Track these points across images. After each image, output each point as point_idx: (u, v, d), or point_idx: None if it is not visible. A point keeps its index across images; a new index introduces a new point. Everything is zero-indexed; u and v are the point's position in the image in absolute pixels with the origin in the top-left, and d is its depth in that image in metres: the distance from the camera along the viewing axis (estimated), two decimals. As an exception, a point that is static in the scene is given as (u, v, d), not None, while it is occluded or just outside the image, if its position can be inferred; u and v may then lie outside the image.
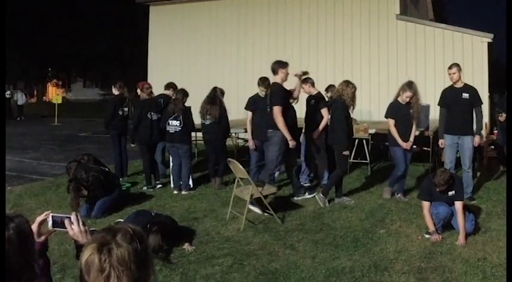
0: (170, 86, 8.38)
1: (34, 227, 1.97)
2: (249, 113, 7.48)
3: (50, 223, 1.99)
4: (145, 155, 7.74)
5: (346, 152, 6.59)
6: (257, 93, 7.52)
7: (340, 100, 6.60)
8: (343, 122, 6.56)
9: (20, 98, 23.26)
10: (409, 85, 6.66)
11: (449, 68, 6.80)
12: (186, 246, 5.00)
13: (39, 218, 2.01)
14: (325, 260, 4.65)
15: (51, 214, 2.01)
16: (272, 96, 6.51)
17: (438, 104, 6.97)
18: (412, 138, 6.67)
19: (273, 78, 6.72)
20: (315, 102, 7.66)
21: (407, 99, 6.60)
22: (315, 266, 4.51)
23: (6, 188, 7.39)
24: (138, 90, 8.21)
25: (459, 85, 6.73)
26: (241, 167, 5.96)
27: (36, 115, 23.93)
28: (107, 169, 6.94)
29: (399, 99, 6.68)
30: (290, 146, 6.50)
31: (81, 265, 1.43)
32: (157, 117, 7.63)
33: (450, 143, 6.72)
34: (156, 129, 7.61)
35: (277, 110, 6.38)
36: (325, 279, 4.24)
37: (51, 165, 9.80)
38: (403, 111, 6.65)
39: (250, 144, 7.47)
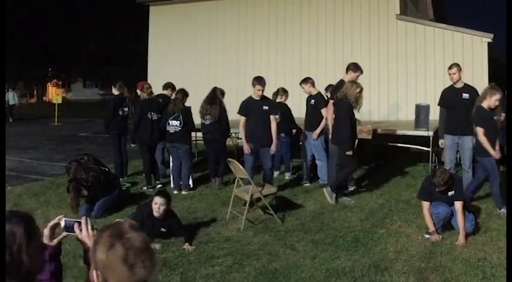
0: (168, 86, 8.39)
1: (46, 231, 2.01)
2: (243, 118, 7.04)
3: (62, 225, 2.02)
4: (145, 155, 7.74)
5: (350, 152, 6.54)
6: (250, 96, 7.12)
7: (345, 100, 6.57)
8: (347, 122, 6.53)
9: (12, 98, 21.72)
10: (495, 87, 6.30)
11: (450, 68, 6.77)
12: (186, 246, 5.01)
13: (52, 222, 2.04)
14: (325, 260, 4.65)
15: (63, 218, 2.03)
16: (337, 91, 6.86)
17: (438, 104, 6.95)
18: (498, 146, 6.18)
19: (342, 76, 7.14)
20: (315, 102, 7.68)
21: (497, 103, 6.10)
22: (315, 266, 4.51)
23: (6, 188, 7.40)
24: (138, 90, 8.22)
25: (459, 85, 6.71)
26: (241, 167, 5.96)
27: (32, 115, 23.65)
28: (106, 169, 6.94)
29: (484, 104, 6.07)
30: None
31: (98, 262, 1.42)
32: (157, 117, 7.63)
33: (450, 143, 6.71)
34: (157, 129, 7.61)
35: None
36: (325, 279, 4.24)
37: (51, 165, 9.80)
38: (491, 117, 6.16)
39: (246, 148, 7.05)
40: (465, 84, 6.75)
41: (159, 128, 7.59)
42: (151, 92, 7.96)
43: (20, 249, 1.67)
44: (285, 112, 8.08)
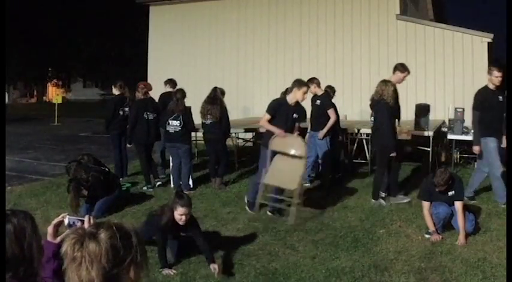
0: (174, 82, 8.49)
1: (50, 229, 2.04)
2: (267, 116, 6.15)
3: (66, 223, 2.06)
4: (142, 155, 7.77)
5: (393, 154, 6.34)
6: (284, 99, 6.33)
7: (383, 101, 6.42)
8: (388, 124, 6.39)
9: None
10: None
11: (497, 70, 6.38)
12: (212, 266, 4.43)
13: (55, 220, 2.07)
14: (325, 260, 4.65)
15: (67, 216, 2.07)
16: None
17: (474, 108, 6.54)
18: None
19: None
20: (320, 103, 7.69)
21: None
22: (315, 266, 4.51)
23: (6, 188, 7.39)
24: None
25: (495, 88, 6.48)
26: (302, 142, 5.85)
27: (32, 115, 23.39)
28: (106, 169, 6.94)
29: None
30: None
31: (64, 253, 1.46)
32: (153, 116, 7.68)
33: (495, 145, 6.42)
34: (153, 128, 7.66)
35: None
36: (325, 279, 4.24)
37: (51, 165, 9.79)
38: None
39: (278, 131, 6.03)
40: (497, 86, 6.52)
41: (155, 127, 7.62)
42: (146, 92, 7.98)
43: (31, 246, 1.69)
44: None
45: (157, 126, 7.65)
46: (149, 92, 8.03)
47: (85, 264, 1.39)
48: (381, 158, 6.58)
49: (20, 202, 6.78)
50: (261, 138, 6.31)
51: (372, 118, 6.79)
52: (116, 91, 8.53)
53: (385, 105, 6.42)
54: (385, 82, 6.54)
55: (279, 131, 6.01)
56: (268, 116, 6.15)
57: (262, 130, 9.47)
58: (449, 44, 10.82)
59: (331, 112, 7.53)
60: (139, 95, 7.89)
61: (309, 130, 8.08)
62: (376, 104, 6.59)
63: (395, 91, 6.46)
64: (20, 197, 7.13)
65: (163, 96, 8.59)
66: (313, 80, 7.78)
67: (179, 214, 4.48)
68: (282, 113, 6.15)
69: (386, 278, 4.23)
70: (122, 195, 6.68)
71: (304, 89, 6.09)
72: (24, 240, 1.69)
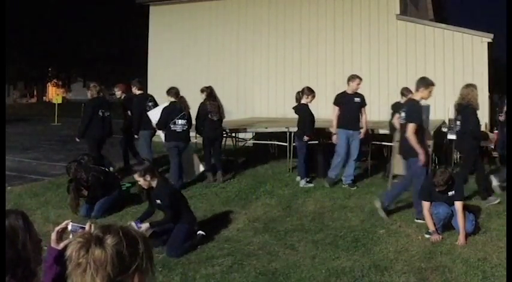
0: (141, 82, 8.76)
1: (53, 235, 2.07)
2: (415, 126, 5.75)
3: (69, 229, 2.10)
4: (93, 151, 7.89)
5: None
6: (415, 100, 5.96)
7: (471, 106, 6.35)
8: (476, 129, 6.34)
9: None
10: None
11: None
12: (144, 225, 4.94)
13: (59, 227, 2.10)
14: (325, 260, 4.65)
15: (70, 223, 2.11)
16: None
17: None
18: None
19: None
20: (360, 100, 7.74)
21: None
22: (315, 266, 4.51)
23: (6, 188, 7.39)
24: (118, 92, 8.86)
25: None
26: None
27: (32, 115, 23.29)
28: (106, 169, 6.95)
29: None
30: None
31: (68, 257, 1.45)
32: (107, 114, 7.98)
33: None
34: (107, 125, 7.98)
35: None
36: (325, 279, 4.24)
37: (51, 165, 9.78)
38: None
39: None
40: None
41: (109, 124, 7.99)
42: (99, 91, 8.15)
43: (25, 246, 1.68)
44: (306, 113, 7.67)
45: (111, 123, 8.05)
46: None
47: (90, 271, 1.37)
48: (465, 161, 6.62)
49: (20, 202, 6.78)
50: (407, 150, 5.77)
51: (458, 122, 6.66)
52: (115, 92, 8.69)
53: (472, 111, 6.37)
54: (468, 86, 6.51)
55: (421, 152, 5.61)
56: (415, 126, 5.67)
57: (261, 130, 9.52)
58: (449, 44, 10.82)
59: (365, 111, 7.72)
60: (92, 93, 8.07)
61: (336, 129, 7.63)
62: (464, 109, 6.50)
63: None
64: (20, 197, 7.12)
65: (138, 97, 8.55)
66: (358, 77, 7.64)
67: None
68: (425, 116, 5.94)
69: (387, 278, 4.23)
70: (122, 195, 6.69)
71: (431, 88, 5.80)
72: (18, 240, 1.67)
